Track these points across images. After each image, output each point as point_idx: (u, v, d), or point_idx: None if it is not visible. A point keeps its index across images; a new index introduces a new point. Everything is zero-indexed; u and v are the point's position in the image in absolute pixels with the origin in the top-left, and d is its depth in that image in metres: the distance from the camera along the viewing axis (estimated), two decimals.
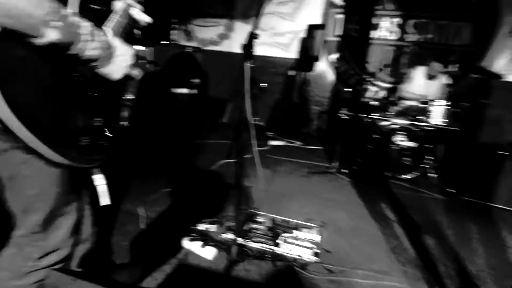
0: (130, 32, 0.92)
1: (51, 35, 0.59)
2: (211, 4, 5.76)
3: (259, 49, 5.41)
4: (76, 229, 0.96)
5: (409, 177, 3.04)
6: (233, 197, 2.28)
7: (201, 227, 1.88)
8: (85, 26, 0.68)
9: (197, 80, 4.70)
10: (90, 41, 0.68)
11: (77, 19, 0.66)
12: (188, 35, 6.02)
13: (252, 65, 1.79)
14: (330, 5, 4.98)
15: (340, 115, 3.51)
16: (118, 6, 0.88)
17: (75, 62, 0.70)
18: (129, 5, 0.90)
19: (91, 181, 0.92)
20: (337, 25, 5.00)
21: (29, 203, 0.82)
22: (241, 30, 5.59)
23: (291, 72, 5.31)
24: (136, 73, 0.88)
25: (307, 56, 4.63)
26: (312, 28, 4.54)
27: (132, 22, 0.93)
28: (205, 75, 5.54)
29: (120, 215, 1.97)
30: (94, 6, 0.80)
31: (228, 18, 5.67)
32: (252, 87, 5.51)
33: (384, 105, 3.44)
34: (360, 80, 4.88)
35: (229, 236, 1.81)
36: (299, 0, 5.18)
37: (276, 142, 4.32)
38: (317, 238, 1.87)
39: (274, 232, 1.89)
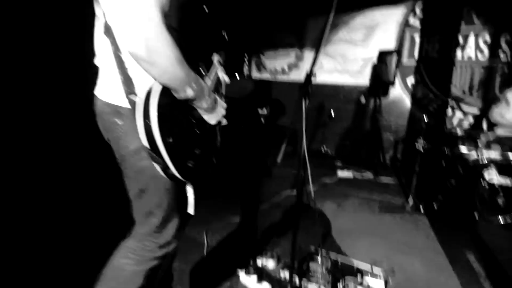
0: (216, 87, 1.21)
1: (189, 93, 0.91)
2: (281, 35, 6.01)
3: (329, 77, 5.46)
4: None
5: (503, 221, 2.56)
6: (293, 232, 2.26)
7: (259, 261, 1.89)
8: (207, 88, 1.00)
9: (266, 110, 4.87)
10: (208, 97, 1.00)
11: (204, 84, 0.99)
12: (259, 66, 6.34)
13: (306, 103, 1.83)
14: (406, 26, 4.72)
15: (417, 145, 3.19)
16: (214, 64, 1.20)
17: (193, 109, 1.01)
18: (219, 66, 1.22)
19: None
20: (414, 47, 4.68)
21: (152, 209, 1.08)
22: (310, 59, 5.66)
23: (363, 99, 5.10)
24: (225, 122, 1.14)
25: (380, 82, 4.41)
26: (383, 54, 4.34)
27: (218, 81, 1.22)
28: (276, 105, 5.74)
29: (183, 240, 2.12)
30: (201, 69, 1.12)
31: (298, 47, 5.82)
32: (321, 115, 5.48)
33: (472, 134, 3.02)
34: (443, 106, 4.42)
35: (286, 274, 1.78)
36: (371, 25, 5.04)
37: (345, 173, 4.13)
38: (383, 287, 1.69)
39: (334, 275, 1.79)
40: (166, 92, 0.90)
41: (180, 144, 0.96)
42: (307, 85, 1.58)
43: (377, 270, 1.83)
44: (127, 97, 0.94)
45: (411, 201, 2.99)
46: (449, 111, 4.41)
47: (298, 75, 5.86)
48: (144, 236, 1.11)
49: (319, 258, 1.92)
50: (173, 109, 0.94)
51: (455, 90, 4.37)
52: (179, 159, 0.94)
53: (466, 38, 4.28)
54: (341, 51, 5.36)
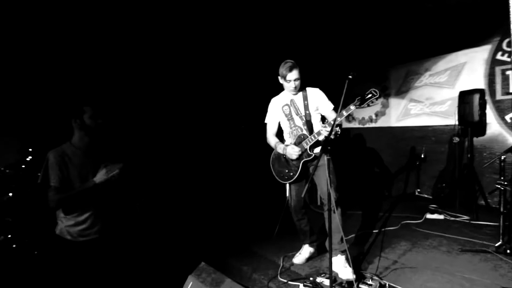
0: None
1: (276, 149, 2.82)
2: (367, 86, 6.46)
3: (417, 120, 5.52)
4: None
5: None
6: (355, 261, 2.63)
7: (319, 278, 2.38)
8: (279, 146, 2.75)
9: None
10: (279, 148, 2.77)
11: (278, 145, 2.78)
12: (348, 117, 6.85)
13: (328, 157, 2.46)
14: (495, 62, 4.57)
15: (498, 185, 3.08)
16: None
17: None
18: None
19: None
20: (508, 82, 4.44)
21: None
22: (396, 106, 5.89)
23: (456, 139, 4.94)
24: (293, 156, 2.69)
25: (466, 123, 4.33)
26: (465, 94, 4.33)
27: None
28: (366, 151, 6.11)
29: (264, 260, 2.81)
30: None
31: (383, 97, 6.14)
32: (413, 158, 5.60)
33: None
34: None
35: None
36: (456, 67, 5.05)
37: (435, 215, 4.05)
38: None
39: None
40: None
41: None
42: (328, 144, 2.10)
43: None
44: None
45: (499, 243, 2.86)
46: None
47: (386, 122, 6.10)
48: None
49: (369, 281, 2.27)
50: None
51: None
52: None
53: None
54: (427, 95, 5.44)
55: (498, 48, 4.55)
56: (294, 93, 2.70)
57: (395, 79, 5.93)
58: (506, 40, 4.46)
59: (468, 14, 4.77)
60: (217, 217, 4.32)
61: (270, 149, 2.90)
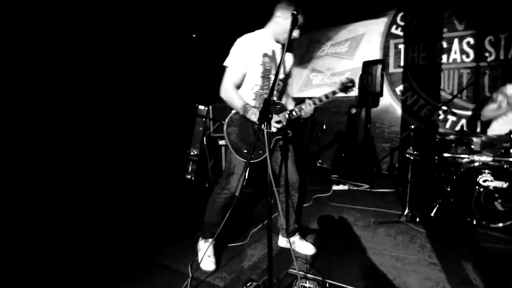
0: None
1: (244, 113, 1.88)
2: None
3: (319, 90, 5.46)
4: None
5: (501, 225, 2.45)
6: (275, 257, 2.16)
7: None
8: (253, 111, 1.86)
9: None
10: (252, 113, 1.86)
11: (250, 109, 1.87)
12: None
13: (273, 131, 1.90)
14: (389, 36, 4.75)
15: (407, 155, 3.10)
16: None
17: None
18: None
19: None
20: (400, 56, 4.69)
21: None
22: (298, 76, 5.69)
23: (353, 110, 5.07)
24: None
25: (367, 93, 4.39)
26: (368, 64, 4.35)
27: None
28: None
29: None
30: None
31: None
32: (313, 129, 5.45)
33: (465, 137, 2.95)
34: (433, 110, 4.36)
35: None
36: (355, 38, 5.08)
37: (340, 187, 4.03)
38: None
39: None
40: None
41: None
42: (266, 111, 1.51)
43: None
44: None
45: (406, 211, 2.88)
46: (442, 115, 4.34)
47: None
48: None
49: (307, 283, 1.81)
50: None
51: (445, 94, 4.33)
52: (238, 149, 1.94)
53: (450, 42, 4.29)
54: (328, 65, 5.40)
55: (393, 22, 4.72)
56: (279, 43, 2.02)
57: (298, 47, 5.69)
58: (401, 14, 4.65)
59: None
60: (93, 221, 3.21)
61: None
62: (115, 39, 4.34)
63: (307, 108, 1.95)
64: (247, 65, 1.92)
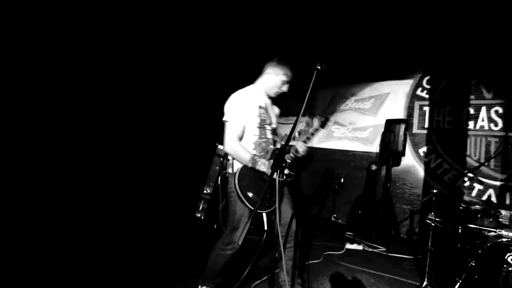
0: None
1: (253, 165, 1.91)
2: (295, 105, 6.23)
3: (339, 143, 5.43)
4: None
5: None
6: None
7: None
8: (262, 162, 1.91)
9: None
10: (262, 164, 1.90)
11: (258, 160, 1.91)
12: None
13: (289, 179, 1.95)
14: (414, 97, 4.78)
15: (429, 221, 2.92)
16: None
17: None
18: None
19: None
20: (424, 118, 4.66)
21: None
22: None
23: (373, 167, 4.96)
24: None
25: (389, 151, 4.31)
26: (391, 123, 4.33)
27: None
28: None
29: None
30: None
31: (308, 115, 5.96)
32: (330, 182, 5.31)
33: (492, 209, 2.75)
34: (458, 176, 4.18)
35: None
36: (380, 96, 5.15)
37: (354, 246, 3.80)
38: None
39: None
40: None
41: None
42: (280, 159, 1.52)
43: None
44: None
45: (425, 283, 2.64)
46: (467, 182, 4.15)
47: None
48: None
49: None
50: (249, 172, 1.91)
51: (471, 161, 4.17)
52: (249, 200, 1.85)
53: (477, 109, 4.23)
54: (351, 119, 5.43)
55: (419, 84, 4.77)
56: (269, 96, 2.22)
57: (321, 99, 5.81)
58: (427, 78, 4.71)
59: (396, 48, 4.95)
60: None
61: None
62: (141, 73, 4.64)
63: (301, 148, 2.04)
64: (247, 118, 1.99)
